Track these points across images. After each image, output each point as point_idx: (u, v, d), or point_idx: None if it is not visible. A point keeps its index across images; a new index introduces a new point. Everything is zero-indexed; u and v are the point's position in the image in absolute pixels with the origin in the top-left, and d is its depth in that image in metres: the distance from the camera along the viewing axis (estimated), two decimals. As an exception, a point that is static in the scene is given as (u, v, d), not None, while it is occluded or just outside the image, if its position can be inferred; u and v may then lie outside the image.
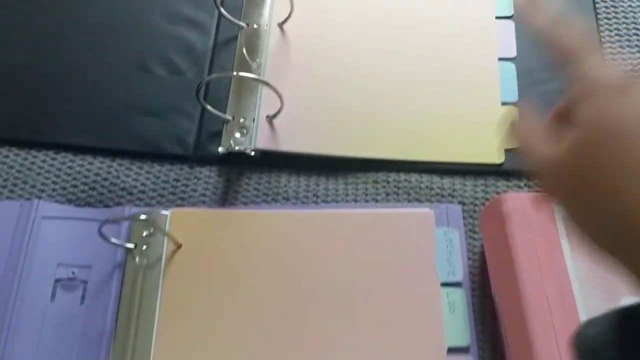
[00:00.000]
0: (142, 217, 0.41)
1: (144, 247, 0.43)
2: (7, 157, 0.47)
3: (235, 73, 0.48)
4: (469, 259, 0.43)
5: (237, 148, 0.46)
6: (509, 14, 0.53)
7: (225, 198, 0.46)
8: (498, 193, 0.45)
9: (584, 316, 0.35)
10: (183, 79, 0.50)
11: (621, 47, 0.52)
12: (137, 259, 0.43)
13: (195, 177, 0.47)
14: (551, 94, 0.49)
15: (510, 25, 0.52)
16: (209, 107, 0.47)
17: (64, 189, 0.46)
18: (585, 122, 0.26)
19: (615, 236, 0.23)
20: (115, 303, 0.42)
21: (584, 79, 0.27)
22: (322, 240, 0.43)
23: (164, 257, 0.43)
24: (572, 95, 0.28)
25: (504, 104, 0.49)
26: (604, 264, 0.24)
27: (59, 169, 0.47)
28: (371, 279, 0.42)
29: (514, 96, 0.49)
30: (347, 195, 0.46)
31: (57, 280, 0.43)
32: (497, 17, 0.53)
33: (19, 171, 0.47)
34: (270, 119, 0.48)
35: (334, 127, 0.48)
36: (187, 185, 0.46)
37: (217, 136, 0.48)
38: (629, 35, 0.52)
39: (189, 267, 0.43)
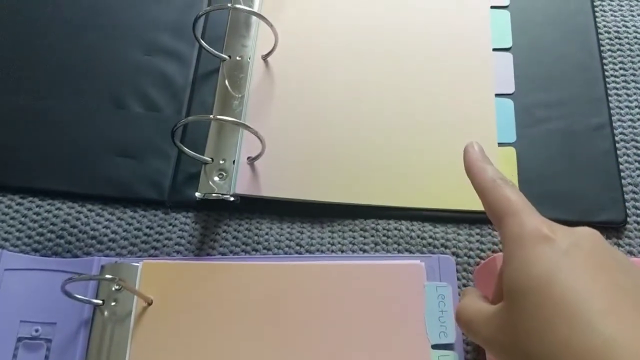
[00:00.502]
0: (109, 276, 0.38)
1: (113, 303, 0.40)
2: (-30, 201, 0.44)
3: (213, 116, 0.45)
4: (462, 316, 0.40)
5: (214, 195, 0.43)
6: (508, 46, 0.50)
7: (202, 247, 0.43)
8: (494, 244, 0.42)
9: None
10: (160, 115, 0.47)
11: (626, 81, 0.49)
12: (105, 315, 0.40)
13: (170, 224, 0.44)
14: (551, 134, 0.46)
15: (508, 57, 0.49)
16: (185, 149, 0.44)
17: (30, 237, 0.43)
18: (506, 284, 0.27)
19: None
20: (81, 364, 0.39)
21: (511, 236, 0.28)
22: (304, 295, 0.40)
23: (133, 313, 0.40)
24: (504, 254, 0.29)
25: (501, 144, 0.46)
26: None
27: (25, 215, 0.44)
28: (356, 338, 0.39)
29: (511, 136, 0.46)
30: (332, 244, 0.43)
31: (19, 339, 0.40)
32: (494, 49, 0.50)
33: (-18, 217, 0.44)
34: (251, 160, 0.45)
35: (319, 170, 0.45)
36: (161, 233, 0.43)
37: (194, 178, 0.45)
38: (634, 69, 0.49)
39: (160, 323, 0.40)
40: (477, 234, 0.43)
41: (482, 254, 0.42)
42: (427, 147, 0.45)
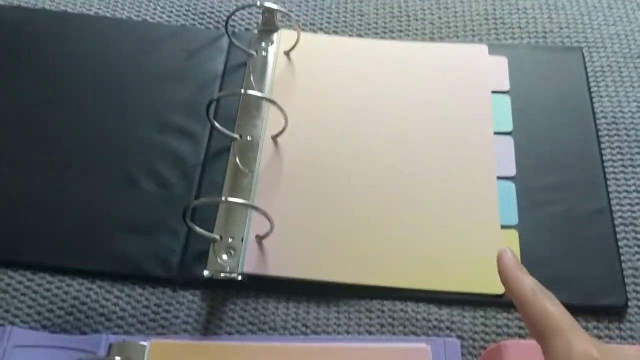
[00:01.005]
0: (118, 358, 0.39)
1: (120, 383, 0.40)
2: (-19, 277, 0.45)
3: (224, 198, 0.46)
4: (468, 402, 0.40)
5: (222, 275, 0.43)
6: (508, 130, 0.52)
7: (209, 326, 0.43)
8: (498, 327, 0.43)
9: None
10: (171, 193, 0.49)
11: (623, 166, 0.50)
12: (112, 395, 0.40)
13: (177, 302, 0.44)
14: (552, 217, 0.47)
15: (509, 141, 0.51)
16: (196, 228, 0.45)
17: (39, 313, 0.44)
18: None
19: None
20: None
21: (557, 358, 0.27)
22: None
23: (140, 394, 0.40)
24: None
25: (503, 227, 0.47)
26: None
27: (35, 292, 0.44)
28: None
29: (513, 219, 0.47)
30: (338, 325, 0.43)
31: (24, 419, 0.40)
32: (495, 133, 0.51)
33: (-7, 293, 0.44)
34: (259, 239, 0.46)
35: (326, 250, 0.45)
36: (169, 311, 0.44)
37: (202, 256, 0.46)
38: (631, 154, 0.51)
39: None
40: (482, 316, 0.43)
41: (487, 337, 0.42)
42: (431, 229, 0.46)
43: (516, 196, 0.48)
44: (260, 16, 0.58)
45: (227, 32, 0.56)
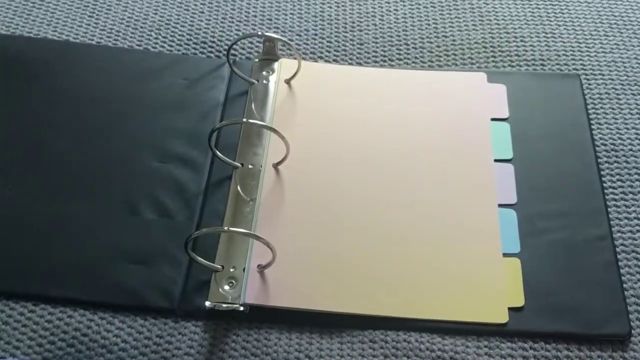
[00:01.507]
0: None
1: (121, 417, 0.40)
2: (-18, 309, 0.45)
3: (227, 228, 0.46)
4: None
5: (225, 306, 0.43)
6: (509, 157, 0.52)
7: (211, 358, 0.43)
8: (502, 357, 0.43)
9: None
10: (173, 222, 0.49)
11: (624, 193, 0.50)
12: None
13: (179, 333, 0.44)
14: (554, 244, 0.47)
15: (509, 168, 0.51)
16: (198, 258, 0.45)
17: (41, 345, 0.43)
18: None
19: None
20: None
21: None
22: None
23: None
24: None
25: (505, 255, 0.47)
26: None
27: (37, 323, 0.44)
28: None
29: (515, 247, 0.47)
30: (342, 356, 0.43)
31: None
32: (495, 160, 0.52)
33: (-6, 325, 0.44)
34: (261, 268, 0.46)
35: (328, 280, 0.45)
36: (170, 342, 0.44)
37: (204, 286, 0.45)
38: (631, 181, 0.51)
39: None
40: (486, 346, 0.43)
41: (491, 369, 0.42)
42: (433, 258, 0.46)
43: (518, 223, 0.48)
44: (261, 45, 0.59)
45: (228, 61, 0.56)
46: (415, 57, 0.59)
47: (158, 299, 0.45)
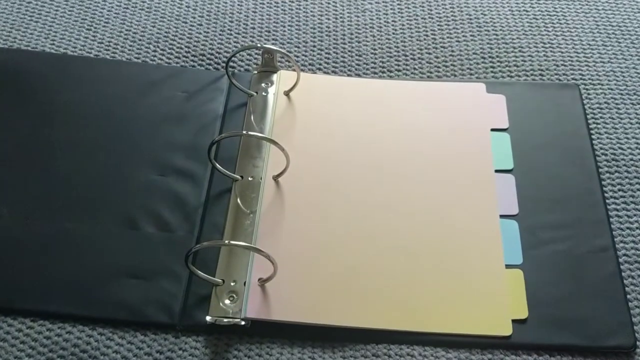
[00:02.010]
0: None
1: None
2: (-21, 325, 0.44)
3: (227, 242, 0.46)
4: None
5: (225, 321, 0.43)
6: (509, 167, 0.52)
7: (212, 374, 0.42)
8: (507, 370, 0.42)
9: None
10: (173, 236, 0.48)
11: (625, 203, 0.50)
12: None
13: (180, 348, 0.43)
14: (556, 255, 0.47)
15: (510, 179, 0.51)
16: (198, 272, 0.44)
17: (39, 362, 0.43)
18: None
19: None
20: None
21: None
22: None
23: None
24: None
25: (508, 266, 0.46)
26: None
27: (35, 340, 0.43)
28: None
29: (518, 258, 0.47)
30: (344, 370, 0.42)
31: None
32: (496, 171, 0.52)
33: (-9, 341, 0.43)
34: (262, 282, 0.45)
35: (330, 294, 0.45)
36: (171, 358, 0.43)
37: (205, 300, 0.45)
38: (632, 190, 0.51)
39: None
40: (490, 359, 0.43)
41: (495, 381, 0.42)
42: (436, 270, 0.46)
43: (519, 235, 0.48)
44: (259, 57, 0.58)
45: (227, 73, 0.56)
46: (414, 68, 0.59)
47: (158, 314, 0.44)
